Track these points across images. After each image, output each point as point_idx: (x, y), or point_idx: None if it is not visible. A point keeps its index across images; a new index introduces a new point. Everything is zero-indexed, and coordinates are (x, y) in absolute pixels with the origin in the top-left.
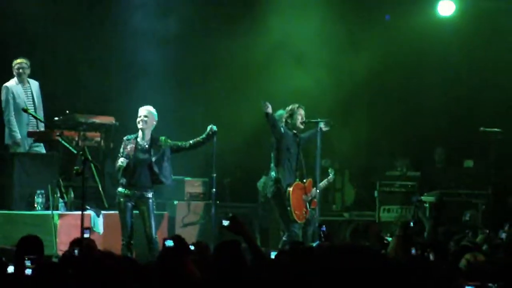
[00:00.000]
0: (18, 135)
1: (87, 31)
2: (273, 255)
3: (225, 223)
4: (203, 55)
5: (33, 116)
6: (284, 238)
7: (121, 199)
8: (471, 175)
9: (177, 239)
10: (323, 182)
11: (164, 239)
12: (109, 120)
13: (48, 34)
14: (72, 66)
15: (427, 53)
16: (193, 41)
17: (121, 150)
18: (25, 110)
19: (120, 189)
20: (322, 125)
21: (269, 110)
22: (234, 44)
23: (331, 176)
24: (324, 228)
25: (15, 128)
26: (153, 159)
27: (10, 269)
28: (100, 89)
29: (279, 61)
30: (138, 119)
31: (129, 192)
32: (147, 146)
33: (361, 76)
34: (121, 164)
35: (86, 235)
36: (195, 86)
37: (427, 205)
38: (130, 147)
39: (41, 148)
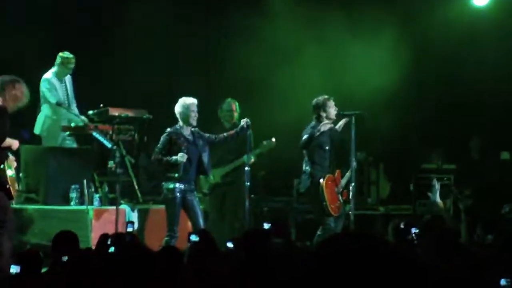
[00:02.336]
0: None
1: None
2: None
3: (266, 226)
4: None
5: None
6: (319, 232)
7: (176, 194)
8: (508, 167)
9: (203, 234)
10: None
11: (189, 234)
12: (142, 113)
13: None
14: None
15: (461, 43)
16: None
17: (166, 143)
18: (59, 105)
19: (172, 184)
20: (341, 124)
21: None
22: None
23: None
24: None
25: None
26: (201, 151)
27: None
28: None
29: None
30: (192, 113)
31: (183, 186)
32: (191, 138)
33: (394, 68)
34: (181, 159)
35: (129, 230)
36: (226, 78)
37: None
38: (180, 141)
39: (72, 143)
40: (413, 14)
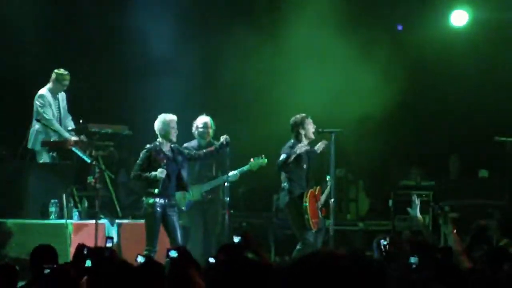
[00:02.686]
0: (66, 134)
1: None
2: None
3: (236, 239)
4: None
5: (45, 125)
6: (298, 247)
7: (156, 209)
8: (486, 185)
9: (181, 250)
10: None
11: (168, 250)
12: (122, 129)
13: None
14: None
15: (440, 63)
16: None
17: (145, 160)
18: (38, 120)
19: (152, 199)
20: (320, 145)
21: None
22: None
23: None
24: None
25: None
26: (180, 167)
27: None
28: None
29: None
30: (172, 130)
31: (163, 201)
32: (171, 155)
33: (374, 87)
34: (160, 175)
35: (108, 245)
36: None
37: (451, 214)
38: (160, 157)
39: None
40: (391, 33)
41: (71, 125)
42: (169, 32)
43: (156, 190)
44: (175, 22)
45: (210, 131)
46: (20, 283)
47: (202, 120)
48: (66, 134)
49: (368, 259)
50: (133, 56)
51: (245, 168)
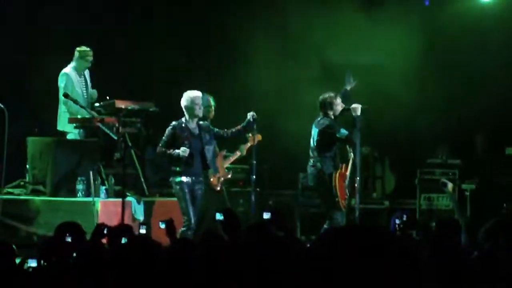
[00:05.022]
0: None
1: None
2: None
3: (266, 215)
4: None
5: (74, 102)
6: (326, 226)
7: (185, 187)
8: None
9: (228, 212)
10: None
11: (216, 211)
12: (149, 105)
13: None
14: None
15: (468, 37)
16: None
17: (170, 137)
18: (66, 96)
19: (179, 178)
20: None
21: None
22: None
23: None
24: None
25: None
26: (205, 145)
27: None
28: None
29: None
30: (196, 106)
31: (190, 179)
32: (197, 132)
33: (400, 62)
34: (183, 153)
35: (142, 231)
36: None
37: (468, 193)
38: (185, 134)
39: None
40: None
41: (95, 95)
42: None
43: (178, 168)
44: None
45: (212, 109)
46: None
47: (205, 99)
48: (92, 112)
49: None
50: (160, 30)
51: (237, 153)
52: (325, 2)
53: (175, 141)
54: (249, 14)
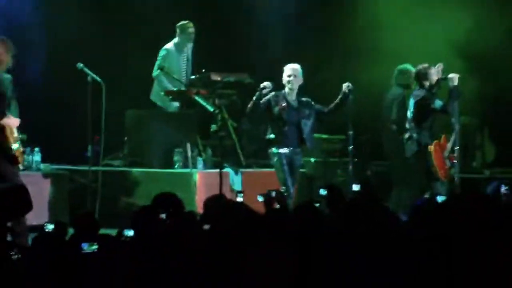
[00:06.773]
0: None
1: None
2: None
3: (356, 187)
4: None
5: (168, 76)
6: (427, 197)
7: (283, 158)
8: None
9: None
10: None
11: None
12: (244, 77)
13: None
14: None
15: None
16: None
17: (265, 101)
18: (161, 69)
19: (276, 149)
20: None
21: None
22: None
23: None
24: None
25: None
26: (302, 119)
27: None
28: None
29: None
30: (288, 78)
31: (287, 150)
32: (295, 105)
33: (499, 29)
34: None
35: (239, 199)
36: (328, 47)
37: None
38: (282, 104)
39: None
40: None
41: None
42: None
43: (272, 136)
44: None
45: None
46: None
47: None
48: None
49: None
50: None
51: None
52: None
53: (270, 110)
54: None
